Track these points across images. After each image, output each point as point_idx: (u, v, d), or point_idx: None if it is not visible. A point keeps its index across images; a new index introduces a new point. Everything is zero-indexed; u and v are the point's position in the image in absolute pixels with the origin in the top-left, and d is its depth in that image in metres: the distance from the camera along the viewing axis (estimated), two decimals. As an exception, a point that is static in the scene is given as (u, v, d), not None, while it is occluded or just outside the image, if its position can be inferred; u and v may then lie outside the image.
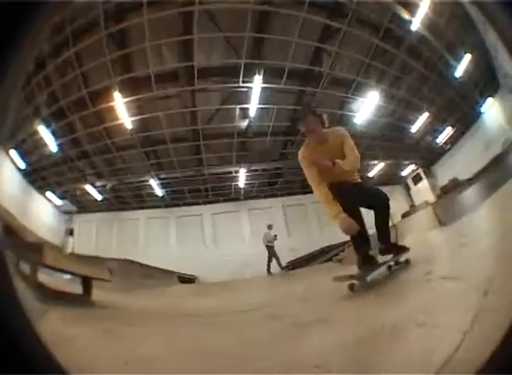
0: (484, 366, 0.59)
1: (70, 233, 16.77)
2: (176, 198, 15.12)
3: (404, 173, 14.95)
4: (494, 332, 0.63)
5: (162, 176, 13.35)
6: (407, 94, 10.72)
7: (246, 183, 14.37)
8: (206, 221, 14.74)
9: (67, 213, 17.26)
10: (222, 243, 14.22)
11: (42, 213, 15.25)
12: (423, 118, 11.70)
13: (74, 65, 9.33)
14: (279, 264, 11.17)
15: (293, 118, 8.53)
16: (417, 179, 14.39)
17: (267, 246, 11.25)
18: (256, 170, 14.01)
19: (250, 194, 15.11)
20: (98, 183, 14.20)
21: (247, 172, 13.69)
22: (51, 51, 8.91)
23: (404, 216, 10.53)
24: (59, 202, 16.00)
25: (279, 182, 15.29)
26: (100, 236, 16.17)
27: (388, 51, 9.42)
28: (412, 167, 14.47)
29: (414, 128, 12.14)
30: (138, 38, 8.70)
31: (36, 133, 11.28)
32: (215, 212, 14.97)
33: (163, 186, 13.99)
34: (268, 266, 10.93)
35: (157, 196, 14.63)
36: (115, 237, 15.69)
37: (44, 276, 3.82)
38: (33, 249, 3.92)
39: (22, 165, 12.61)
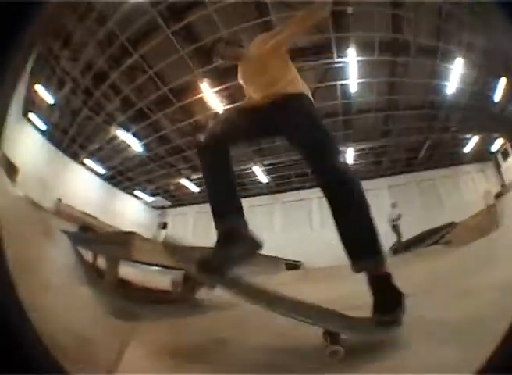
0: (484, 366, 0.59)
1: (163, 226, 17.86)
2: (280, 183, 14.57)
3: (494, 148, 13.21)
4: (494, 332, 0.64)
5: (267, 162, 12.95)
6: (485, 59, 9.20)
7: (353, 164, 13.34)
8: (313, 205, 13.75)
9: (159, 208, 18.48)
10: (330, 226, 13.37)
11: (131, 212, 16.62)
12: (502, 84, 9.98)
13: (144, 68, 9.60)
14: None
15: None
16: (506, 154, 12.74)
17: (393, 226, 10.49)
18: (361, 150, 13.22)
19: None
20: (195, 176, 14.34)
21: (353, 152, 12.89)
22: (108, 62, 9.43)
23: (498, 195, 9.85)
24: (150, 199, 17.25)
25: (384, 161, 14.28)
26: (198, 227, 16.31)
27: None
28: (501, 141, 12.75)
29: (497, 97, 10.36)
30: (208, 29, 8.41)
31: (114, 138, 12.03)
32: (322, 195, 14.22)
33: (267, 172, 13.60)
34: (397, 244, 10.22)
35: (260, 183, 14.25)
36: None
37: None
38: (118, 243, 3.52)
39: (102, 171, 14.13)
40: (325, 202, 1.84)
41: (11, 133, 13.41)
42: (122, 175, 14.87)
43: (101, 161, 13.88)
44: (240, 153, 12.37)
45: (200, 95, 10.11)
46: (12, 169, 13.23)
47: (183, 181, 14.87)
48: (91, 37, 8.54)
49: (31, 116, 13.50)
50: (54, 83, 10.90)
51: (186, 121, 11.37)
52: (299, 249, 12.30)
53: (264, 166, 13.43)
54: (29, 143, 14.11)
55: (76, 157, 14.81)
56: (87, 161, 14.80)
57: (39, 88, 11.22)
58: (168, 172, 14.57)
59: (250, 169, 13.65)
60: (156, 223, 18.16)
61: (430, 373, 1.09)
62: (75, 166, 15.22)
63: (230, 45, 2.12)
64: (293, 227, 14.20)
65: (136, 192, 16.74)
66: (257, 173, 13.83)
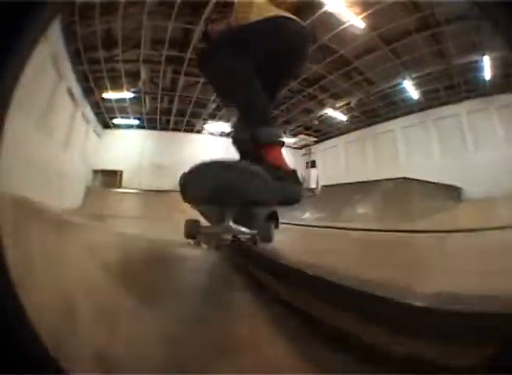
0: (484, 366, 0.55)
1: (312, 165, 17.63)
2: (429, 98, 12.35)
3: None
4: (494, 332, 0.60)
5: (414, 75, 11.10)
6: None
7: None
8: (464, 122, 11.58)
9: (303, 147, 18.23)
10: (488, 147, 10.72)
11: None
12: None
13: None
14: None
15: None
16: None
17: None
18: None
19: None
20: (339, 104, 13.28)
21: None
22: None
23: None
24: (293, 140, 17.09)
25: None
26: (350, 159, 15.80)
27: None
28: None
29: None
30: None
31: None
32: (472, 109, 11.36)
33: (415, 86, 11.67)
34: None
35: (410, 100, 12.38)
36: (371, 156, 14.81)
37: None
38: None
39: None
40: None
41: (103, 147, 15.03)
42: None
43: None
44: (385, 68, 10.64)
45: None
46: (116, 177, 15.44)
47: (327, 112, 13.88)
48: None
49: (117, 121, 15.36)
50: (118, 82, 11.82)
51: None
52: (457, 173, 10.78)
53: (413, 79, 11.31)
54: (126, 143, 15.84)
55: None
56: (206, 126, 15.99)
57: (107, 95, 12.46)
58: (307, 107, 13.84)
59: (399, 85, 11.81)
60: (303, 162, 18.18)
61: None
62: (191, 136, 16.80)
63: None
64: (449, 148, 12.06)
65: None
66: (406, 89, 11.84)
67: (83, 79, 11.19)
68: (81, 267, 1.26)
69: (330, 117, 14.36)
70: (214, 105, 13.91)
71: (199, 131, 16.79)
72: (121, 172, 15.07)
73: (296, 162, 17.97)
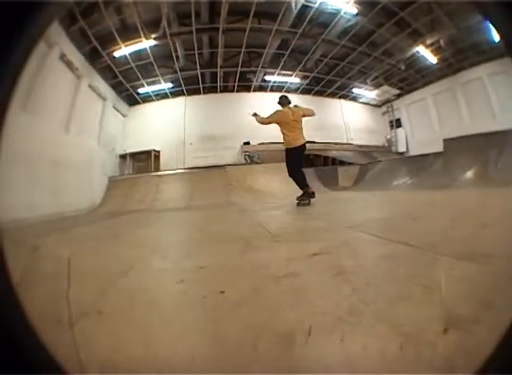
0: (484, 366, 0.57)
1: (397, 124, 13.55)
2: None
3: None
4: (494, 332, 0.59)
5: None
6: None
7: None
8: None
9: (383, 104, 14.17)
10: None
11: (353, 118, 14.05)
12: None
13: None
14: None
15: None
16: None
17: None
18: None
19: None
20: (429, 41, 10.10)
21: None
22: None
23: None
24: (372, 93, 13.48)
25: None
26: (442, 111, 12.29)
27: None
28: None
29: None
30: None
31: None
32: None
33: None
34: None
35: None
36: (464, 108, 11.57)
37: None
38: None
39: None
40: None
41: (131, 127, 12.19)
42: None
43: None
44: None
45: None
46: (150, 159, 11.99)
47: (416, 52, 10.65)
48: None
49: (142, 89, 11.88)
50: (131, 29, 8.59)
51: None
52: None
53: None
54: (160, 116, 12.75)
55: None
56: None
57: (119, 52, 9.27)
58: (391, 47, 10.61)
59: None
60: (385, 122, 14.20)
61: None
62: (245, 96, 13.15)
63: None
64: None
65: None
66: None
67: (81, 40, 8.25)
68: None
69: (418, 60, 10.99)
70: (272, 52, 10.45)
71: (258, 88, 13.06)
72: (157, 152, 11.97)
73: (376, 122, 14.21)
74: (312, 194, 4.90)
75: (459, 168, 7.83)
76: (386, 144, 13.61)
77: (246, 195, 8.16)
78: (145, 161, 11.77)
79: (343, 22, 9.03)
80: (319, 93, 13.53)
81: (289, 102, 5.22)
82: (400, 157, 11.94)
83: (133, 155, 11.68)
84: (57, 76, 7.45)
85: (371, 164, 10.54)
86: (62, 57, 7.52)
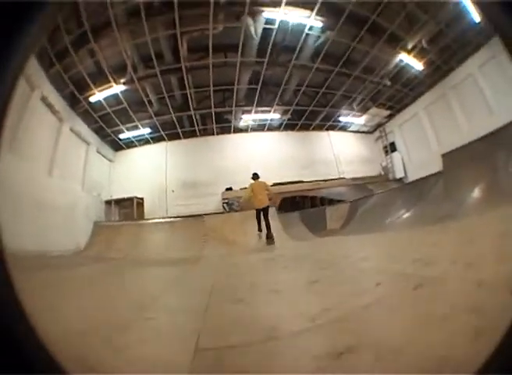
0: (484, 366, 0.58)
1: (392, 149, 12.90)
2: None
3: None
4: (494, 332, 0.61)
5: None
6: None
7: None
8: None
9: (375, 130, 13.71)
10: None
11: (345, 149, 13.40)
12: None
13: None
14: None
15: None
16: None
17: None
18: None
19: None
20: (411, 45, 9.28)
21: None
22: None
23: None
24: (361, 120, 12.88)
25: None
26: (436, 123, 11.13)
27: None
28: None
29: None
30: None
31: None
32: None
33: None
34: None
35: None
36: (459, 112, 10.41)
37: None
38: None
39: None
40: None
41: (115, 172, 12.19)
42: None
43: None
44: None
45: None
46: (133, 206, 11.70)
47: (399, 60, 9.76)
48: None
49: (123, 135, 12.01)
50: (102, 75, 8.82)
51: None
52: None
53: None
54: (143, 163, 12.78)
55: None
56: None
57: (94, 97, 9.45)
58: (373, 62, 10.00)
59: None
60: (380, 149, 13.43)
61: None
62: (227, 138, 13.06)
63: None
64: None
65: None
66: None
67: (60, 83, 8.44)
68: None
69: (403, 70, 10.14)
70: (244, 87, 10.30)
71: (238, 129, 12.88)
72: (140, 199, 11.71)
73: (370, 150, 13.38)
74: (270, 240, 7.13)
75: (463, 187, 6.54)
76: (383, 173, 12.63)
77: (219, 247, 8.06)
78: (130, 207, 11.50)
79: (312, 41, 8.67)
80: (304, 127, 13.08)
81: (259, 177, 7.63)
82: (395, 186, 10.56)
83: (118, 201, 11.43)
84: (39, 118, 7.74)
85: (362, 199, 9.44)
86: (44, 99, 7.80)
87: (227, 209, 10.92)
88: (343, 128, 13.48)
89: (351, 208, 9.17)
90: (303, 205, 10.91)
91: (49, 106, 8.12)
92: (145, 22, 7.35)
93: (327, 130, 13.33)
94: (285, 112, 12.02)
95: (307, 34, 8.36)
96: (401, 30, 8.48)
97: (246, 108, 11.50)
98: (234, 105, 11.12)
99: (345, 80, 10.31)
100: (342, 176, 12.33)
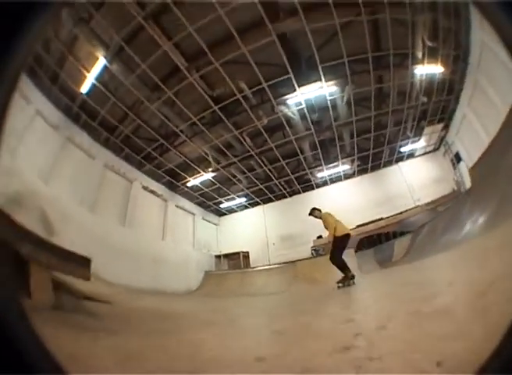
0: (484, 366, 0.59)
1: (458, 160, 11.74)
2: None
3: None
4: (494, 332, 0.63)
5: None
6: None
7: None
8: None
9: (440, 146, 13.15)
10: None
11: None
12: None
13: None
14: None
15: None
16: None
17: None
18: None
19: None
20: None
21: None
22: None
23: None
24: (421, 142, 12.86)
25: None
26: (480, 112, 9.54)
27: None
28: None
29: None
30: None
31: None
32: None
33: None
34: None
35: None
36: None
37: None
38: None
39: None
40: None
41: (222, 233, 15.60)
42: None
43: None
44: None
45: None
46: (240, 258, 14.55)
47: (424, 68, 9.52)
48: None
49: (224, 205, 14.95)
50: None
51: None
52: None
53: None
54: (245, 223, 15.63)
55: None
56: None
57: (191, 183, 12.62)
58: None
59: None
60: (450, 165, 12.62)
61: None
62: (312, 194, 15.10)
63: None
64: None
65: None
66: None
67: (157, 175, 12.20)
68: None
69: (430, 80, 9.85)
70: (308, 154, 12.49)
71: (320, 184, 15.09)
72: (245, 253, 14.68)
73: (441, 168, 12.92)
74: (350, 278, 5.79)
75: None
76: (456, 188, 11.74)
77: (304, 284, 9.50)
78: (237, 259, 14.49)
79: (339, 101, 9.84)
80: (375, 167, 14.05)
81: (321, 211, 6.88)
82: (453, 201, 9.37)
83: (227, 255, 14.63)
84: (147, 199, 11.34)
85: (424, 225, 9.26)
86: (145, 188, 11.50)
87: (315, 255, 12.53)
88: (410, 156, 13.64)
89: (413, 237, 9.53)
90: (379, 241, 11.59)
91: (152, 192, 11.78)
92: (211, 129, 10.43)
93: (396, 162, 13.81)
94: (352, 162, 13.50)
95: (332, 99, 9.80)
96: (400, 46, 8.48)
97: (318, 168, 13.66)
98: (307, 168, 13.44)
99: (387, 117, 11.02)
100: (417, 203, 12.25)
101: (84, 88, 8.50)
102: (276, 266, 12.20)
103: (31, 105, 7.70)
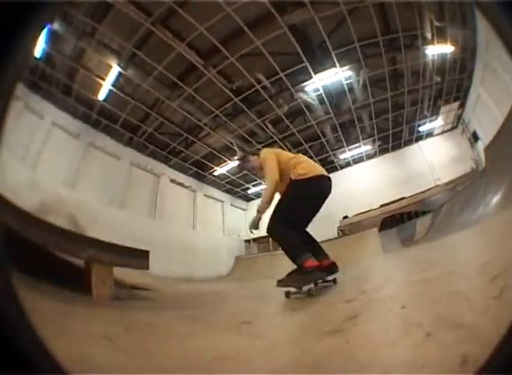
0: (484, 366, 0.59)
1: (475, 139, 11.53)
2: None
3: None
4: (494, 332, 0.62)
5: None
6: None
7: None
8: None
9: (457, 124, 12.69)
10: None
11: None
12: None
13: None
14: None
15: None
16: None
17: None
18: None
19: None
20: None
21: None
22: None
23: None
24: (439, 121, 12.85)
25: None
26: (491, 91, 9.47)
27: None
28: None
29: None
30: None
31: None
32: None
33: None
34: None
35: None
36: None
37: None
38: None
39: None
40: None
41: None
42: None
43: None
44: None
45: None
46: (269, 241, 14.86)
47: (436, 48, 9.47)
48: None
49: (251, 191, 15.35)
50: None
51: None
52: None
53: None
54: None
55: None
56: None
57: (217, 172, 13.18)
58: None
59: None
60: (468, 144, 12.57)
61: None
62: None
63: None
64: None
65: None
66: None
67: (183, 167, 12.88)
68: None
69: (442, 59, 9.79)
70: (330, 137, 12.89)
71: (344, 164, 15.46)
72: (274, 236, 15.32)
73: (459, 147, 12.83)
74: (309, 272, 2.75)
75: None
76: (474, 167, 11.56)
77: None
78: (266, 242, 15.15)
79: (356, 85, 10.05)
80: (396, 147, 14.09)
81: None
82: (470, 180, 8.70)
83: (256, 239, 15.32)
84: (176, 192, 11.94)
85: (443, 205, 9.23)
86: (173, 181, 12.19)
87: (340, 234, 12.99)
88: (429, 135, 13.63)
89: (433, 216, 9.46)
90: (402, 220, 11.63)
91: (180, 184, 12.42)
92: (234, 120, 10.96)
93: (416, 141, 13.84)
94: (373, 142, 13.61)
95: (348, 83, 9.99)
96: (409, 28, 8.46)
97: (340, 150, 13.92)
98: (330, 150, 13.76)
99: (403, 97, 11.10)
100: (437, 183, 12.26)
101: (101, 95, 8.85)
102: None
103: (45, 120, 8.12)
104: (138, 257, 3.75)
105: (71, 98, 8.77)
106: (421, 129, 13.23)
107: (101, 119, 9.67)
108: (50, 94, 8.28)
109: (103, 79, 8.38)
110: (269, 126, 11.54)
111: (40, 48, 7.14)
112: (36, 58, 7.31)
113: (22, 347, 0.55)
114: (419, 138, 13.82)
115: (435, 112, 12.34)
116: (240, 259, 13.45)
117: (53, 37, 7.17)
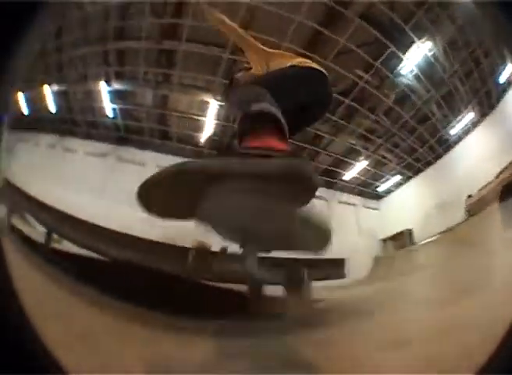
0: (484, 366, 0.60)
1: None
2: None
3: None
4: (494, 332, 0.64)
5: None
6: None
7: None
8: None
9: None
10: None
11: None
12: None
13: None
14: None
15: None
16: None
17: None
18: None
19: None
20: None
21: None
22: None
23: None
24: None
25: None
26: None
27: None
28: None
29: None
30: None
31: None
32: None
33: None
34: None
35: None
36: None
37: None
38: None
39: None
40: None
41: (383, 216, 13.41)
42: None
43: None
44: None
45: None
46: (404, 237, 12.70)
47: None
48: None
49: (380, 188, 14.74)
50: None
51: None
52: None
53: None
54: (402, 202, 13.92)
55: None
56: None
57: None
58: None
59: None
60: None
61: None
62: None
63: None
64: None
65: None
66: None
67: None
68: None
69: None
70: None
71: (455, 142, 14.26)
72: (409, 230, 14.80)
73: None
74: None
75: None
76: None
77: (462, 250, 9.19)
78: (402, 238, 14.69)
79: (436, 52, 9.95)
80: (492, 106, 12.54)
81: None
82: None
83: (391, 237, 15.06)
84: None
85: None
86: None
87: (468, 216, 11.94)
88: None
89: None
90: None
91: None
92: (350, 121, 11.37)
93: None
94: (473, 108, 12.52)
95: (432, 54, 9.86)
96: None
97: (450, 125, 12.50)
98: (441, 128, 13.03)
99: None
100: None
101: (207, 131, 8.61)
102: (435, 236, 12.20)
103: (78, 153, 8.14)
104: (335, 266, 3.68)
105: (173, 141, 8.88)
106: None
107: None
108: (146, 143, 8.58)
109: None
110: (383, 117, 12.14)
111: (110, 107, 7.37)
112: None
113: (22, 347, 0.55)
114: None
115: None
116: (378, 259, 13.58)
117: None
